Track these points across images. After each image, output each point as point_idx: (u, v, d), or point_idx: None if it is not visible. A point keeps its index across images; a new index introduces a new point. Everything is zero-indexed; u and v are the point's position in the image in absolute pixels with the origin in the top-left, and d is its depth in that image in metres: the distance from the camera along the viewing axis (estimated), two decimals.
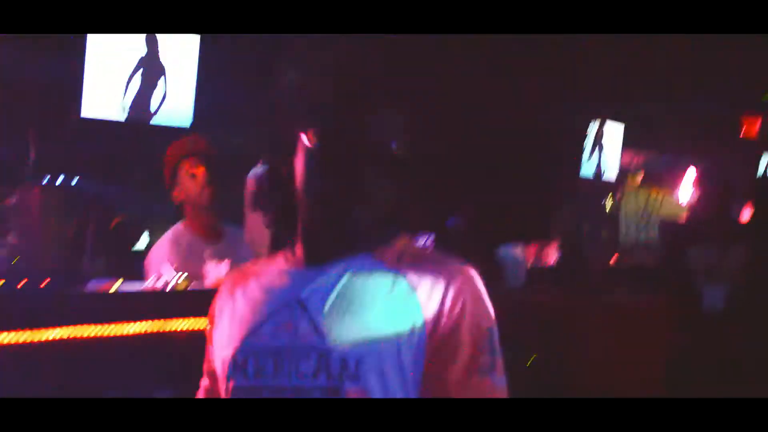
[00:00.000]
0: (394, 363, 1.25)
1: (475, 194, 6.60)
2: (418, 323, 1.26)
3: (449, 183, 6.18)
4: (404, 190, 1.33)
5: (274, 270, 1.41)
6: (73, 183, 6.10)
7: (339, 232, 1.33)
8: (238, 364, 1.30)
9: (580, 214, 7.37)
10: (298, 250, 1.37)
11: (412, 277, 1.29)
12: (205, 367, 1.44)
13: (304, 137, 1.30)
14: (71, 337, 3.34)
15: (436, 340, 1.25)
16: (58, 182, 5.83)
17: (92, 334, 3.40)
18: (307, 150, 1.30)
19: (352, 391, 1.24)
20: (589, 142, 7.89)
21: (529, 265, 5.61)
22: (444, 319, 1.25)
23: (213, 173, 3.84)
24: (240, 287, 1.40)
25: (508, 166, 6.61)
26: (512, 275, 4.92)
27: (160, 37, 5.25)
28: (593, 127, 7.93)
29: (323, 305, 1.30)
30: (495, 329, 1.29)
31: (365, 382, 1.24)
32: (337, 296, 1.31)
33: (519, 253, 5.37)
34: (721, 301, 5.16)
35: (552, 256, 6.01)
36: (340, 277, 1.33)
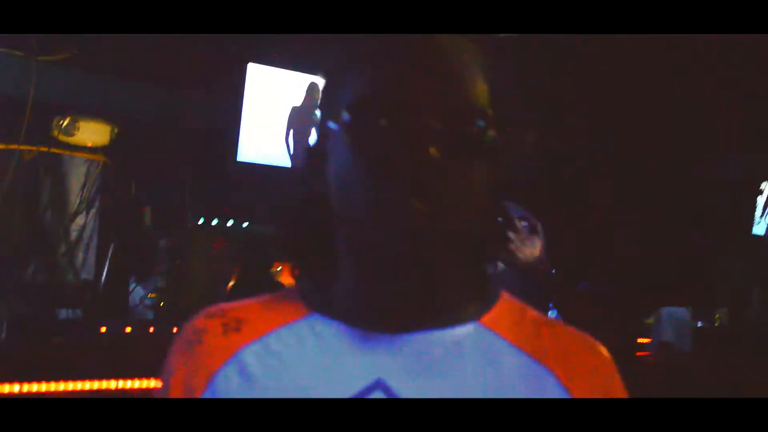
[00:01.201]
0: None
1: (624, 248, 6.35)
2: None
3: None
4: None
5: (303, 331, 0.92)
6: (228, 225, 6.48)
7: (439, 277, 0.91)
8: None
9: (751, 275, 6.88)
10: (354, 301, 0.92)
11: (562, 371, 0.91)
12: None
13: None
14: None
15: None
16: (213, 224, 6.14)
17: None
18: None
19: None
20: (762, 199, 7.49)
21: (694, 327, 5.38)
22: None
23: None
24: (252, 359, 0.91)
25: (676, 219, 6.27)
26: (679, 339, 4.64)
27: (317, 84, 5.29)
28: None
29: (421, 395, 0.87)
30: None
31: None
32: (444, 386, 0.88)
33: (685, 315, 5.08)
34: None
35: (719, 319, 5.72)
36: (448, 354, 0.90)
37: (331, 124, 0.88)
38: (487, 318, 0.91)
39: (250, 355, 0.89)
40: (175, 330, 2.88)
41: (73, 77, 5.59)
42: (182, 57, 5.31)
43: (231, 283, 5.51)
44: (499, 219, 0.97)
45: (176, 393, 0.91)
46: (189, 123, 5.64)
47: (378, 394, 0.85)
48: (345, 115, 0.85)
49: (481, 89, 0.87)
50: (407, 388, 0.84)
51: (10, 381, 3.75)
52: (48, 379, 3.88)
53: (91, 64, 5.43)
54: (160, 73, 5.53)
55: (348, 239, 0.90)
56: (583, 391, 0.89)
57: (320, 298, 0.92)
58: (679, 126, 6.29)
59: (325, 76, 0.96)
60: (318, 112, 0.95)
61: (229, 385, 0.88)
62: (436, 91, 0.84)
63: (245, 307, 0.96)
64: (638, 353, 4.96)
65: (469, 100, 0.86)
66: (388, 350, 0.87)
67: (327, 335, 0.89)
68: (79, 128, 5.36)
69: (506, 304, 0.94)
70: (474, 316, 0.91)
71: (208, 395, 0.89)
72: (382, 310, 0.89)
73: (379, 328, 0.88)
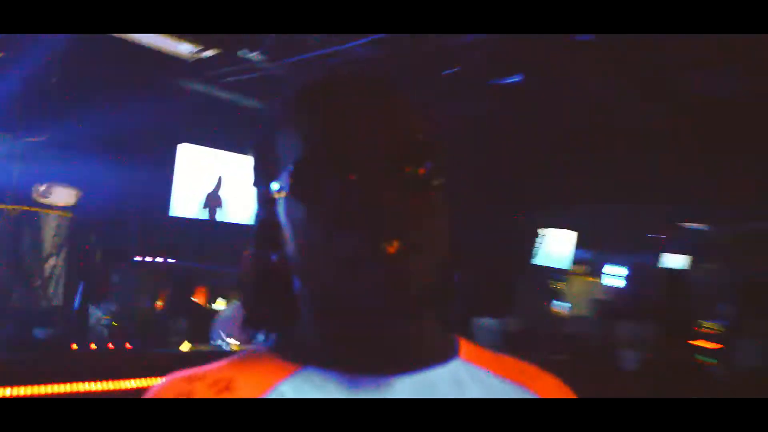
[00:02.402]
0: None
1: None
2: None
3: None
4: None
5: (303, 385, 0.86)
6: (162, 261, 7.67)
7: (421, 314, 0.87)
8: None
9: (535, 292, 8.98)
10: (348, 350, 0.86)
11: (538, 389, 0.95)
12: None
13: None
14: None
15: None
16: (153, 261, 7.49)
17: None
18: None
19: None
20: (541, 240, 9.77)
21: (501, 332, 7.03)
22: None
23: None
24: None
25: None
26: (490, 342, 6.17)
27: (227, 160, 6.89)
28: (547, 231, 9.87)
29: None
30: None
31: None
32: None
33: (492, 323, 6.95)
34: (634, 364, 5.86)
35: (514, 326, 7.50)
36: (451, 388, 0.89)
37: (279, 188, 0.84)
38: (463, 354, 0.92)
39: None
40: (128, 346, 4.48)
41: (48, 154, 6.50)
42: (133, 138, 6.43)
43: (159, 303, 6.93)
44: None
45: None
46: (134, 188, 6.77)
47: None
48: (294, 174, 0.81)
49: (421, 127, 0.85)
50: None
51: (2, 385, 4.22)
52: (28, 383, 4.35)
53: (63, 144, 6.39)
54: (115, 152, 6.54)
55: (322, 296, 0.85)
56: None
57: (309, 352, 0.87)
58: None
59: (259, 143, 0.91)
60: (253, 187, 0.92)
61: None
62: (382, 134, 0.81)
63: (221, 368, 0.88)
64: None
65: (414, 138, 0.83)
66: (394, 393, 0.84)
67: (328, 386, 0.85)
68: (52, 192, 6.50)
69: (463, 340, 0.95)
70: (453, 353, 0.91)
71: None
72: (380, 355, 0.85)
73: (379, 372, 0.85)
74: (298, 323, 0.90)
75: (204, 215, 7.05)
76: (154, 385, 0.88)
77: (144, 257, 7.30)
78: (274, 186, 0.85)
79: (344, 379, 0.85)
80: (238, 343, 5.53)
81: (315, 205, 0.80)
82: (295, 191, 0.81)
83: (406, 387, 0.85)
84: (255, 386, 0.85)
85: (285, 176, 0.82)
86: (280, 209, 0.85)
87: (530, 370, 0.97)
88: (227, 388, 0.85)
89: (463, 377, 0.89)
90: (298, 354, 0.87)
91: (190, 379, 0.86)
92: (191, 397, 0.83)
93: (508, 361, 0.97)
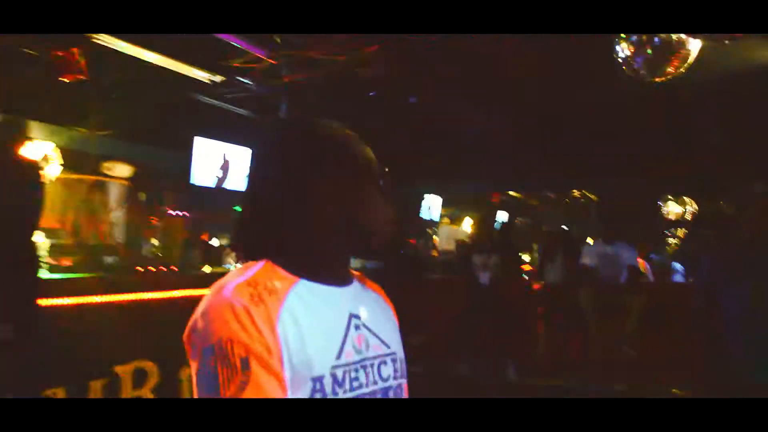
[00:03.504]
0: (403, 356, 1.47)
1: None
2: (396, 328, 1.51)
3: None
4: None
5: (308, 290, 1.32)
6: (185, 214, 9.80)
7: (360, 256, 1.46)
8: (338, 381, 1.25)
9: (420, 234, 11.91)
10: (325, 270, 1.36)
11: (379, 292, 1.56)
12: (268, 387, 1.16)
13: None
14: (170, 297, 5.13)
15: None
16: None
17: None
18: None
19: (404, 385, 1.46)
20: (424, 201, 13.34)
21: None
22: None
23: None
24: (287, 312, 1.24)
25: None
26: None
27: (231, 149, 8.66)
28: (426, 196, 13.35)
29: (371, 319, 1.41)
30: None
31: (406, 376, 1.46)
32: (374, 310, 1.45)
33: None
34: (488, 280, 8.20)
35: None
36: (366, 293, 1.48)
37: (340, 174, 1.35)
38: (354, 277, 1.47)
39: (289, 308, 1.24)
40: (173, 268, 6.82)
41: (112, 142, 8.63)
42: (166, 133, 8.43)
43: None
44: None
45: (258, 343, 1.16)
46: (167, 164, 8.94)
47: (355, 320, 1.36)
48: (362, 174, 1.37)
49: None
50: (363, 313, 1.39)
51: None
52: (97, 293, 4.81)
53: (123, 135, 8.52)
54: (155, 140, 8.44)
55: (337, 233, 1.36)
56: (390, 305, 1.56)
57: (302, 269, 1.32)
58: None
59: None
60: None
61: (287, 328, 1.22)
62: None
63: (258, 275, 1.27)
64: None
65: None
66: (351, 296, 1.40)
67: (318, 292, 1.32)
68: (115, 168, 8.58)
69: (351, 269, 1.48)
70: (353, 276, 1.46)
71: (280, 334, 1.20)
72: (342, 274, 1.41)
73: (339, 284, 1.38)
74: (291, 249, 1.33)
75: (213, 184, 8.84)
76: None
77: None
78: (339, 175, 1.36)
79: (324, 287, 1.33)
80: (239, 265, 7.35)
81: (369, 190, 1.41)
82: (362, 181, 1.39)
83: (349, 292, 1.40)
84: (281, 289, 1.26)
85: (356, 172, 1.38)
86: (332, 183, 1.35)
87: (372, 283, 1.54)
88: (270, 290, 1.23)
89: (360, 287, 1.46)
90: (295, 270, 1.31)
91: (248, 284, 1.23)
92: (257, 296, 1.20)
93: (364, 278, 1.51)
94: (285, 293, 1.25)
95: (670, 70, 4.65)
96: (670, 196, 14.07)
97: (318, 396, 1.21)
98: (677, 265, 11.19)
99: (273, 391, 1.15)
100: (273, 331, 1.19)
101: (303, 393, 1.20)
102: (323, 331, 1.27)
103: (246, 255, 1.35)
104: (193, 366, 1.18)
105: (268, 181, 1.36)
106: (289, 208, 1.32)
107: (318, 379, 1.22)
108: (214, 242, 10.09)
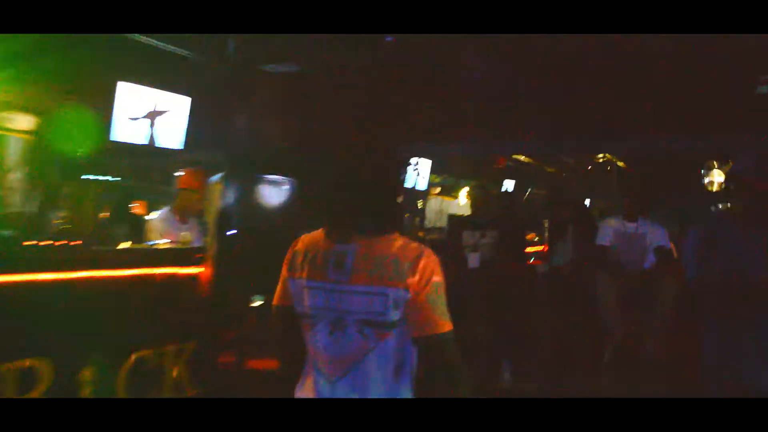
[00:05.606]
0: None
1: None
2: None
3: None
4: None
5: (323, 242, 2.05)
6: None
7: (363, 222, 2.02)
8: (327, 290, 1.99)
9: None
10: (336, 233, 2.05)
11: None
12: (283, 292, 2.15)
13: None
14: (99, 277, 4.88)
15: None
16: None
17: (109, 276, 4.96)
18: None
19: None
20: (411, 168, 11.43)
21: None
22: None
23: (195, 192, 6.68)
24: (309, 249, 2.07)
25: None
26: None
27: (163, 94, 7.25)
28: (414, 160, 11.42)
29: (354, 263, 1.99)
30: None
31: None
32: (364, 258, 1.99)
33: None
34: (477, 262, 6.97)
35: None
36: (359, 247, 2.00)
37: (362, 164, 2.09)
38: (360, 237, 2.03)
39: (310, 245, 2.11)
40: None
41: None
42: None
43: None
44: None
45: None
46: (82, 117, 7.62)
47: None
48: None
49: None
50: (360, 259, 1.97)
51: None
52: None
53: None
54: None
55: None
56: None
57: (326, 231, 2.08)
58: None
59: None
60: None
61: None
62: None
63: (312, 234, 2.13)
64: None
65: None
66: (350, 248, 2.00)
67: (328, 240, 2.07)
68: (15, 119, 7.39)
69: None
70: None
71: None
72: (348, 238, 2.02)
73: (347, 243, 2.01)
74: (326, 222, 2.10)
75: (144, 140, 7.28)
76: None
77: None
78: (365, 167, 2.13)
79: (336, 242, 2.03)
80: (168, 240, 6.09)
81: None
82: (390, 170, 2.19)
83: (352, 248, 1.99)
84: (321, 246, 2.07)
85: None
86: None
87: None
88: (318, 241, 2.07)
89: (363, 246, 2.00)
90: (325, 232, 2.08)
91: (308, 238, 2.11)
92: (305, 247, 2.08)
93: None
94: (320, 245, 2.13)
95: None
96: (715, 162, 11.80)
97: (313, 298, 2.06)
98: None
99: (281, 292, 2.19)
100: None
101: (304, 298, 2.08)
102: (323, 266, 2.06)
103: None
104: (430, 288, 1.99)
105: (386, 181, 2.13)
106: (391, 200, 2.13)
107: (310, 292, 2.08)
108: (153, 215, 8.20)
